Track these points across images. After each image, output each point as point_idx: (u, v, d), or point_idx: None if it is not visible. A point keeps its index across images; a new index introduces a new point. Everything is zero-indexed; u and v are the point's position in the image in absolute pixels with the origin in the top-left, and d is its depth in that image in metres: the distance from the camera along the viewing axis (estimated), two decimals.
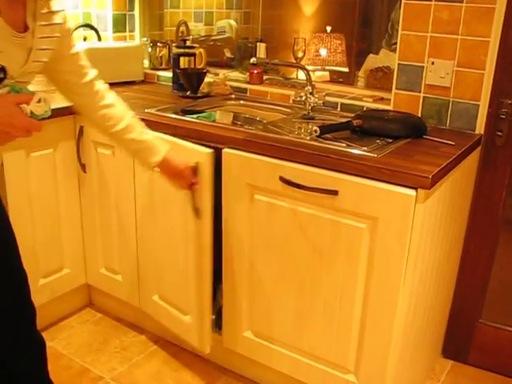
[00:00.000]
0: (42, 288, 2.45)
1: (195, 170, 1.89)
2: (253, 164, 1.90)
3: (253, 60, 2.28)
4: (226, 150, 1.96)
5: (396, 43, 2.19)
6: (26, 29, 1.45)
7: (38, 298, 2.40)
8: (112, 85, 2.79)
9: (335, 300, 1.85)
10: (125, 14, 3.06)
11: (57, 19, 1.54)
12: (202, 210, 1.96)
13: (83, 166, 2.46)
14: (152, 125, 2.13)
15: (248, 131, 1.99)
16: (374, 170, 1.66)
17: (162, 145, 1.81)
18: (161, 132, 2.11)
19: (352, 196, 1.71)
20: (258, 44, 2.82)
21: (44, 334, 2.37)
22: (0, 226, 1.67)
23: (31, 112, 1.37)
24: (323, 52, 2.84)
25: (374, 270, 1.73)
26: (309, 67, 2.52)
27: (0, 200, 1.70)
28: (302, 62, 2.69)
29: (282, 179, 1.84)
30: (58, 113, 2.33)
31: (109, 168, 2.38)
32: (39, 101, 1.38)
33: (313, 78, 2.32)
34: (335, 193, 1.73)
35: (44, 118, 1.41)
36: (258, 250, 1.98)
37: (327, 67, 2.85)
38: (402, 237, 1.65)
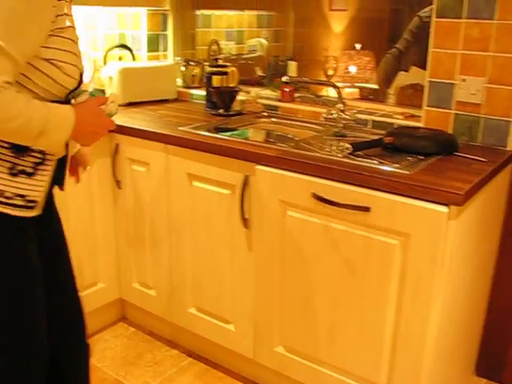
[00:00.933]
0: None
1: None
2: (285, 181, 1.93)
3: (285, 78, 2.32)
4: (258, 168, 1.99)
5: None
6: None
7: None
8: (146, 103, 2.90)
9: (367, 316, 1.86)
10: (158, 34, 3.14)
11: None
12: (251, 219, 2.05)
13: (118, 183, 2.52)
14: (186, 142, 2.19)
15: (280, 148, 2.03)
16: (406, 187, 1.67)
17: None
18: (194, 149, 2.17)
19: (384, 212, 1.72)
20: (288, 62, 2.86)
21: None
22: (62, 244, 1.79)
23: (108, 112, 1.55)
24: (353, 69, 2.87)
25: (406, 287, 1.74)
26: (338, 84, 2.55)
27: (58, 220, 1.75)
28: (334, 80, 2.72)
29: (314, 196, 1.86)
30: None
31: (143, 184, 2.43)
32: (112, 101, 1.55)
33: (343, 96, 2.35)
34: (367, 209, 1.75)
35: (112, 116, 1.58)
36: (290, 265, 2.01)
37: (357, 84, 2.87)
38: (434, 253, 1.66)
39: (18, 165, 1.42)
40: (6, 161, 1.40)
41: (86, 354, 1.82)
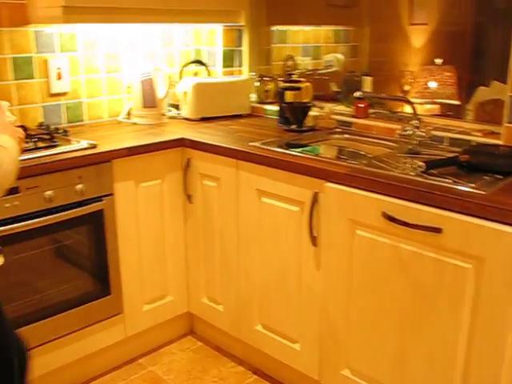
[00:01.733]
0: (146, 314, 2.53)
1: None
2: (355, 199, 1.88)
3: (358, 94, 2.27)
4: (327, 185, 1.95)
5: None
6: None
7: (141, 324, 2.51)
8: (219, 118, 2.92)
9: (437, 342, 1.77)
10: (233, 50, 3.15)
11: None
12: (320, 237, 2.01)
13: (189, 197, 2.54)
14: (255, 158, 2.18)
15: (351, 165, 1.98)
16: (481, 208, 1.59)
17: None
18: (264, 165, 2.16)
19: (457, 234, 1.64)
20: (363, 77, 2.80)
21: (146, 359, 2.50)
22: None
23: None
24: (433, 85, 2.78)
25: (479, 314, 1.65)
26: (417, 100, 2.48)
27: None
28: (410, 95, 2.65)
29: (384, 215, 1.80)
30: (166, 145, 2.44)
31: (214, 199, 2.43)
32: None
33: (421, 112, 2.27)
34: (439, 231, 1.67)
35: None
36: (358, 286, 1.95)
37: (437, 100, 2.78)
38: (510, 279, 1.56)
39: None
40: None
41: None
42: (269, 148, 2.24)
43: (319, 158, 2.11)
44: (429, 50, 2.84)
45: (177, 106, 3.03)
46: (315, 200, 2.01)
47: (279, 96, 2.73)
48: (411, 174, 1.87)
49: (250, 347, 2.45)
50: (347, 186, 1.91)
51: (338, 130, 2.61)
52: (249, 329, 2.41)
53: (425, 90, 2.79)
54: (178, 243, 2.60)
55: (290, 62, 3.23)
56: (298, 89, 2.68)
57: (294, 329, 2.23)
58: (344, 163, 2.02)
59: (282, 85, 2.72)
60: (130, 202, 2.39)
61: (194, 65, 3.14)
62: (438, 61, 2.75)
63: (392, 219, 1.78)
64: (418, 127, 2.24)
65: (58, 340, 2.27)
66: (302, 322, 2.19)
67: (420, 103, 2.69)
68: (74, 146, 2.26)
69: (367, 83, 2.78)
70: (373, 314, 1.93)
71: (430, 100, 2.77)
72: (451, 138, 2.29)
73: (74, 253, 2.28)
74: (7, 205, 2.02)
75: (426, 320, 1.78)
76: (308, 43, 3.28)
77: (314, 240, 2.06)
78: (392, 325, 1.88)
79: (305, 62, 3.27)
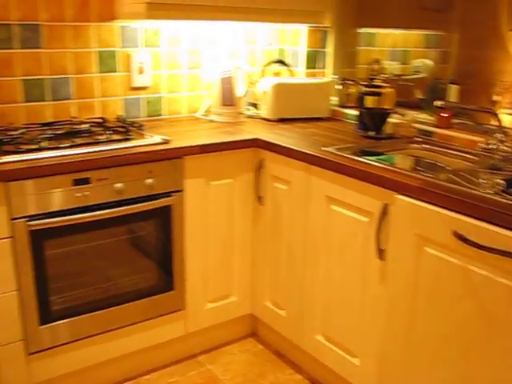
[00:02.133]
0: (208, 312, 2.53)
1: None
2: (425, 214, 1.79)
3: (439, 103, 2.17)
4: (398, 197, 1.87)
5: None
6: None
7: (202, 321, 2.51)
8: (297, 120, 2.87)
9: (505, 374, 1.65)
10: (317, 51, 3.10)
11: None
12: (387, 251, 1.92)
13: (260, 199, 2.51)
14: (326, 163, 2.12)
15: (424, 178, 1.88)
16: None
17: None
18: (335, 171, 2.09)
19: None
20: (449, 86, 2.67)
21: (205, 357, 2.50)
22: None
23: None
24: None
25: None
26: (506, 111, 2.33)
27: None
28: (500, 106, 2.49)
29: (455, 234, 1.70)
30: (239, 145, 2.42)
31: (284, 203, 2.39)
32: None
33: (511, 125, 2.14)
34: None
35: None
36: (423, 305, 1.85)
37: None
38: None
39: None
40: None
41: None
42: (341, 154, 2.17)
43: (392, 168, 2.02)
44: None
45: (256, 106, 3.01)
46: (385, 212, 1.93)
47: (359, 101, 2.65)
48: (489, 191, 1.76)
49: (310, 356, 2.40)
50: (419, 199, 1.82)
51: (417, 139, 2.50)
52: (309, 337, 2.36)
53: None
54: (246, 244, 2.58)
55: (375, 66, 3.13)
56: (379, 94, 2.59)
57: (354, 343, 2.16)
58: (417, 175, 1.92)
59: (362, 89, 2.64)
60: (200, 200, 2.39)
61: (276, 64, 3.11)
62: None
63: (463, 239, 1.68)
64: (503, 141, 2.11)
65: (121, 329, 2.31)
66: (363, 336, 2.12)
67: (510, 114, 2.54)
68: (147, 140, 2.28)
69: (453, 92, 2.65)
70: (437, 336, 1.83)
71: None
72: None
73: (140, 246, 2.31)
74: (78, 194, 2.07)
75: (494, 350, 1.67)
76: (396, 47, 3.17)
77: (380, 253, 1.98)
78: (456, 351, 1.77)
79: (392, 67, 3.16)
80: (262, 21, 2.76)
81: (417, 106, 2.86)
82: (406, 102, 2.86)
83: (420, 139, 2.50)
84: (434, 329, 1.83)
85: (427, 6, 3.06)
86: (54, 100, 2.53)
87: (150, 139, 2.30)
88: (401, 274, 1.90)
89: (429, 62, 3.04)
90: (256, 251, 2.59)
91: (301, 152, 2.25)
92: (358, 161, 2.10)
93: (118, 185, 2.15)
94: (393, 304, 1.96)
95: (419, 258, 1.83)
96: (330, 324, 2.26)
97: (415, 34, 3.11)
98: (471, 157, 2.25)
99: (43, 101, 2.51)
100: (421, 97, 2.90)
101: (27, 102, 2.47)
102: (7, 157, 1.98)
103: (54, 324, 2.14)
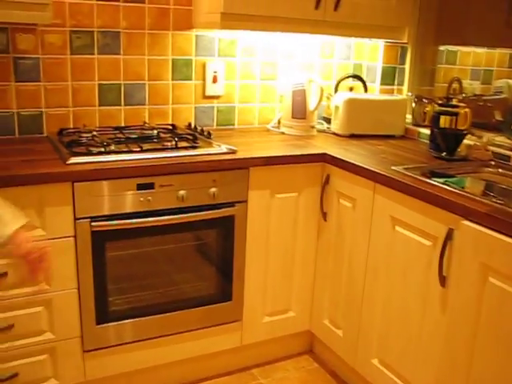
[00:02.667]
0: (265, 325, 2.51)
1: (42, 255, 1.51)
2: (491, 242, 1.70)
3: None
4: (463, 222, 1.79)
5: None
6: None
7: (259, 334, 2.50)
8: (369, 136, 2.81)
9: None
10: (395, 67, 3.03)
11: None
12: (449, 278, 1.85)
13: (324, 214, 2.47)
14: (392, 183, 2.07)
15: (492, 204, 1.79)
16: None
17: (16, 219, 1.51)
18: (400, 192, 2.03)
19: None
20: None
21: (259, 370, 2.48)
22: None
23: None
24: None
25: None
26: None
27: None
28: None
29: None
30: (306, 159, 2.40)
31: (348, 220, 2.35)
32: None
33: None
34: None
35: None
36: (484, 338, 1.76)
37: None
38: None
39: None
40: None
41: None
42: (408, 174, 2.10)
43: (460, 191, 1.93)
44: None
45: (329, 120, 2.97)
46: (449, 237, 1.85)
47: (433, 120, 2.57)
48: None
49: (364, 380, 2.33)
50: (485, 226, 1.73)
51: (492, 162, 2.39)
52: (365, 360, 2.29)
53: None
54: (308, 260, 2.54)
55: (455, 85, 3.03)
56: (455, 114, 2.50)
57: (410, 370, 2.08)
58: (486, 201, 1.83)
59: (438, 108, 2.55)
60: (263, 212, 2.38)
61: (351, 79, 3.06)
62: None
63: None
64: None
65: (176, 335, 2.32)
66: (419, 364, 2.04)
67: None
68: (213, 149, 2.30)
69: None
70: (497, 372, 1.73)
71: None
72: None
73: (201, 254, 2.32)
74: (141, 199, 2.10)
75: None
76: (479, 66, 3.05)
77: (442, 280, 1.90)
78: None
79: (472, 86, 3.05)
80: (339, 35, 2.74)
81: (495, 128, 2.74)
82: (484, 124, 2.75)
83: (494, 163, 2.39)
84: (494, 364, 1.73)
85: None
86: (127, 105, 2.60)
87: (217, 148, 2.31)
88: (462, 303, 1.82)
89: None
90: (317, 268, 2.55)
91: (367, 169, 2.20)
92: (424, 182, 2.03)
93: (182, 192, 2.16)
94: (452, 334, 1.87)
95: (483, 287, 1.74)
96: (387, 348, 2.18)
97: (499, 53, 2.99)
98: None
99: (117, 105, 2.58)
100: (500, 118, 2.78)
101: (101, 105, 2.55)
102: (77, 158, 2.04)
103: (110, 324, 2.18)
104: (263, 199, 2.36)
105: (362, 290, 2.29)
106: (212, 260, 2.35)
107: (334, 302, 2.47)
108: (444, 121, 2.49)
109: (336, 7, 2.56)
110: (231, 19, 2.37)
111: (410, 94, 2.98)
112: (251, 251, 2.39)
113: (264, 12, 2.41)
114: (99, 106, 2.54)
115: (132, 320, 2.22)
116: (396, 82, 3.05)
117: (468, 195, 1.89)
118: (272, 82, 2.91)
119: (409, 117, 2.95)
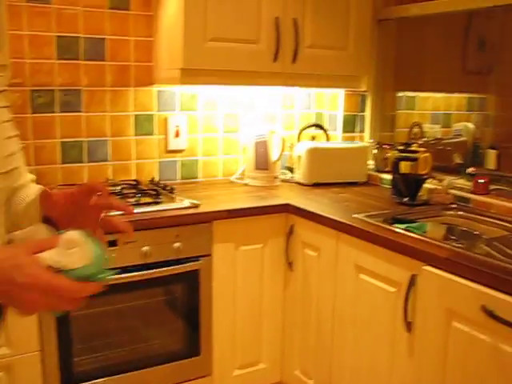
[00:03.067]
0: (236, 379, 2.47)
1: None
2: (453, 287, 1.71)
3: (471, 170, 2.10)
4: (425, 268, 1.80)
5: None
6: None
7: None
8: (334, 185, 2.84)
9: None
10: (355, 115, 3.08)
11: None
12: (414, 323, 1.86)
13: (290, 264, 2.47)
14: (354, 231, 2.08)
15: (453, 249, 1.81)
16: None
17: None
18: (363, 239, 2.04)
19: None
20: (487, 151, 2.60)
21: None
22: None
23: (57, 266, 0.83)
24: None
25: None
26: None
27: None
28: None
29: (484, 309, 1.61)
30: (269, 210, 2.40)
31: (313, 270, 2.35)
32: (67, 247, 0.84)
33: None
34: None
35: (97, 278, 0.86)
36: (451, 381, 1.75)
37: None
38: None
39: None
40: None
41: None
42: (370, 221, 2.12)
43: (421, 237, 1.95)
44: None
45: (292, 169, 3.00)
46: (412, 283, 1.86)
47: (394, 166, 2.60)
48: None
49: None
50: (447, 271, 1.74)
51: (453, 206, 2.42)
52: None
53: None
54: (275, 310, 2.52)
55: (415, 130, 3.09)
56: (415, 159, 2.54)
57: None
58: (446, 245, 1.85)
59: (397, 154, 2.59)
60: (228, 264, 2.36)
61: (312, 128, 3.11)
62: None
63: (492, 315, 1.59)
64: None
65: None
66: None
67: None
68: (176, 204, 2.30)
69: (490, 157, 2.58)
70: None
71: None
72: None
73: (168, 309, 2.29)
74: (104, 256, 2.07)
75: None
76: (438, 110, 3.13)
77: (408, 325, 1.89)
78: None
79: (433, 130, 3.11)
80: (299, 86, 2.79)
81: (455, 171, 2.79)
82: (444, 167, 2.80)
83: (456, 206, 2.42)
84: None
85: (469, 68, 3.02)
86: (90, 162, 2.59)
87: (179, 203, 2.31)
88: (428, 348, 1.81)
89: (470, 125, 2.98)
90: (285, 318, 2.53)
91: (330, 219, 2.21)
92: (386, 229, 2.05)
93: (145, 248, 2.15)
94: (420, 378, 1.86)
95: (447, 332, 1.75)
96: None
97: (457, 97, 3.06)
98: (508, 225, 2.16)
99: (80, 162, 2.57)
100: (459, 161, 2.83)
101: (64, 163, 2.54)
102: None
103: None
104: (228, 252, 2.35)
105: (331, 339, 2.28)
106: (179, 315, 2.32)
107: (303, 351, 2.44)
108: (404, 166, 2.52)
109: (294, 59, 2.61)
110: (191, 74, 2.41)
111: (371, 140, 3.03)
112: (218, 304, 2.37)
113: (223, 66, 2.45)
114: (62, 163, 2.54)
115: (99, 380, 2.17)
116: (358, 129, 3.10)
117: (429, 240, 1.91)
118: (235, 134, 2.94)
119: (371, 163, 2.99)
